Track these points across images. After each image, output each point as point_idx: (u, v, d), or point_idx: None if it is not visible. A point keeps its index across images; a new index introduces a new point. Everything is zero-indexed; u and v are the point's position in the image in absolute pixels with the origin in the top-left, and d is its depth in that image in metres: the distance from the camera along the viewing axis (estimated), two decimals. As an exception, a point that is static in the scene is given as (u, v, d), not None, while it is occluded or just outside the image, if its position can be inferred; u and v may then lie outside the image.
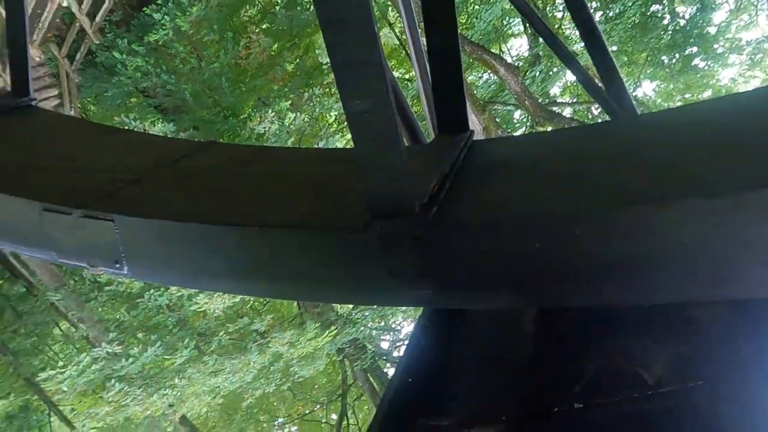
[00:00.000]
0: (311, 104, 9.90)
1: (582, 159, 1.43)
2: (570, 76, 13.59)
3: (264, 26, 11.03)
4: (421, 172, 1.47)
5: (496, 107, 12.88)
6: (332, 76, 2.04)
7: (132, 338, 11.00)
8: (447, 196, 1.38)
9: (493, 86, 13.57)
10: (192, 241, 1.53)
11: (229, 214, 1.55)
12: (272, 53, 11.15)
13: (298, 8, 10.24)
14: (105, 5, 9.86)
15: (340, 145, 10.23)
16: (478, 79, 15.11)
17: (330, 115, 11.24)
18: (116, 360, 9.70)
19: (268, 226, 1.43)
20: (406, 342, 1.64)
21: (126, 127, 12.53)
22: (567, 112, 14.93)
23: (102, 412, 10.20)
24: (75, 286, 11.37)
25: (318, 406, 19.50)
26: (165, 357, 9.86)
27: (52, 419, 12.96)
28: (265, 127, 9.70)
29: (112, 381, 9.75)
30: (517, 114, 14.80)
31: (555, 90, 15.55)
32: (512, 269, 1.21)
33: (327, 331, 10.68)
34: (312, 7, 10.20)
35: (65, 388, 9.89)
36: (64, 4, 8.69)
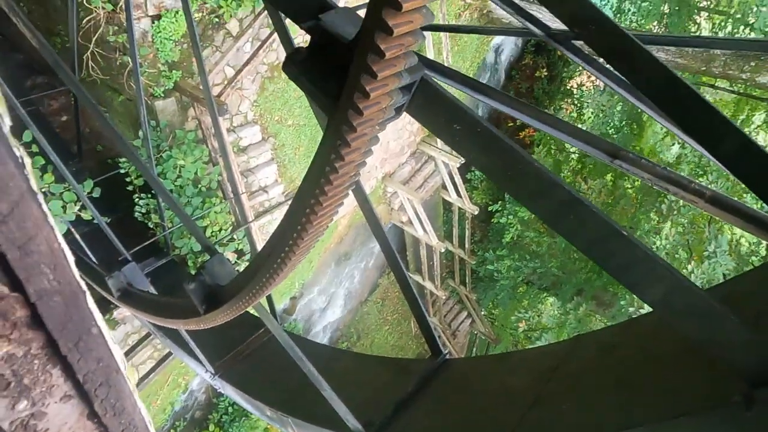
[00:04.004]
0: (676, 213, 9.01)
1: None
2: None
3: (586, 173, 11.36)
4: None
5: None
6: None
7: None
8: None
9: None
10: None
11: (620, 415, 1.64)
12: (609, 189, 11.13)
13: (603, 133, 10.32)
14: (467, 233, 12.17)
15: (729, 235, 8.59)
16: None
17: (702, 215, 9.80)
18: None
19: (656, 421, 1.44)
20: None
21: (524, 320, 13.77)
22: None
23: None
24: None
25: None
26: None
27: None
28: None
29: None
30: None
31: None
32: None
33: None
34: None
35: None
36: (441, 250, 11.17)
